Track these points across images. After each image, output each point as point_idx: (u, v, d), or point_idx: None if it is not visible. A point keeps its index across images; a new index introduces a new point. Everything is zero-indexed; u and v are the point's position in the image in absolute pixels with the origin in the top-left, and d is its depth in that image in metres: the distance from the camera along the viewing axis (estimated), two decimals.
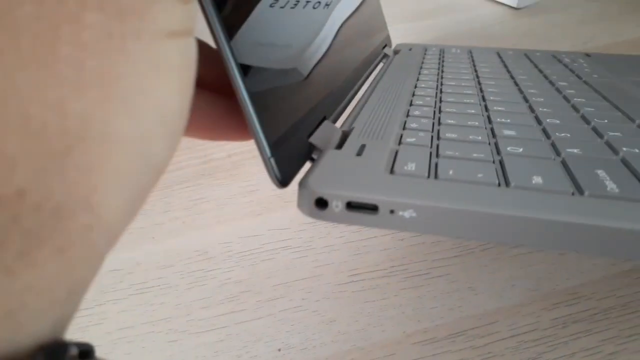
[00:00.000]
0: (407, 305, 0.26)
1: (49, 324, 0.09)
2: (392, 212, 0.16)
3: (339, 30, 0.28)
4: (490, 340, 0.24)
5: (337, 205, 0.16)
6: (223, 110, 0.18)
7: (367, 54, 0.34)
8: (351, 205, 0.16)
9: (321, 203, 0.16)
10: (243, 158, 0.36)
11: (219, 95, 0.18)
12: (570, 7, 0.63)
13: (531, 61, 0.39)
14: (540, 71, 0.36)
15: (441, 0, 0.67)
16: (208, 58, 0.16)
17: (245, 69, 0.16)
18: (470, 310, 0.25)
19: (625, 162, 0.20)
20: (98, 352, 0.24)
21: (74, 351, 0.10)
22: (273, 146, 0.17)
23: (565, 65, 0.38)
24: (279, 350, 0.24)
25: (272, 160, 0.17)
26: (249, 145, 0.37)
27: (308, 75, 0.22)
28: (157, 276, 0.28)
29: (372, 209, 0.16)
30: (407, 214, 0.16)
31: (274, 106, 0.18)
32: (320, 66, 0.24)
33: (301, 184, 0.17)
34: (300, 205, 0.17)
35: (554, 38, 0.51)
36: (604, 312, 0.25)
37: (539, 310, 0.25)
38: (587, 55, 0.41)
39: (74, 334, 0.26)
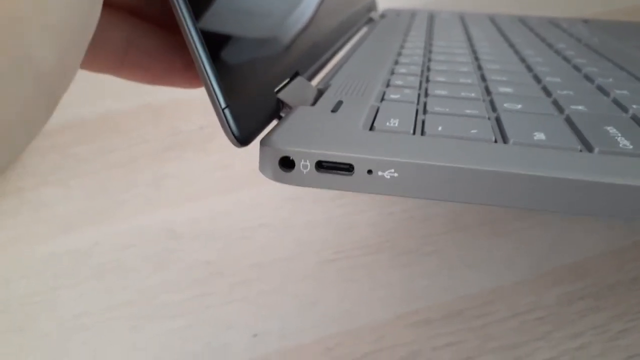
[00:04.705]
0: (397, 285, 0.23)
1: None
2: (369, 172, 0.14)
3: None
4: (490, 320, 0.22)
5: (305, 166, 0.14)
6: (167, 48, 0.15)
7: (349, 16, 0.31)
8: (322, 165, 0.14)
9: (287, 163, 0.14)
10: (216, 130, 0.33)
11: (164, 30, 0.15)
12: None
13: (526, 26, 0.37)
14: (537, 35, 0.34)
15: None
16: None
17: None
18: (466, 289, 0.23)
19: (636, 120, 0.18)
20: (49, 341, 0.22)
21: None
22: (229, 95, 0.14)
23: (564, 30, 0.35)
24: (255, 335, 0.22)
25: (227, 112, 0.14)
26: None
27: (278, 26, 0.19)
28: (117, 257, 0.25)
29: (347, 169, 0.14)
30: (387, 173, 0.14)
31: (232, 49, 0.15)
32: (294, 20, 0.21)
33: (263, 141, 0.14)
34: (262, 166, 0.14)
35: (547, 4, 0.49)
36: (611, 288, 0.23)
37: (541, 288, 0.23)
38: (585, 21, 0.39)
39: (22, 322, 0.23)
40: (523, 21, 0.38)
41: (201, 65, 0.14)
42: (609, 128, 0.16)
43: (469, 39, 0.32)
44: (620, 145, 0.15)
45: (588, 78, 0.24)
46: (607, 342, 0.21)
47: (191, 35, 0.13)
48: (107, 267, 0.25)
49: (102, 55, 0.15)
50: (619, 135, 0.16)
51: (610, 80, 0.23)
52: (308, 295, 0.23)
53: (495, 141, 0.15)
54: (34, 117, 0.08)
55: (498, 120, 0.17)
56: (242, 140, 0.15)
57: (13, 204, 0.29)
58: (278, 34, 0.19)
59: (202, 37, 0.14)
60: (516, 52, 0.29)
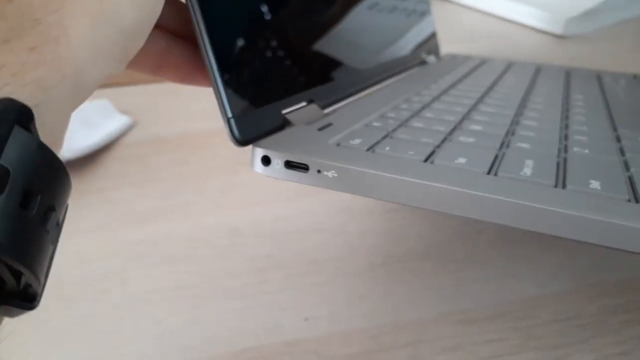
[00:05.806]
0: (443, 288, 0.25)
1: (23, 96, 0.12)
2: (319, 171, 0.18)
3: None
4: (533, 323, 0.22)
5: (277, 163, 0.19)
6: (194, 56, 0.21)
7: (394, 58, 0.34)
8: (290, 164, 0.18)
9: (266, 160, 0.19)
10: None
11: (192, 43, 0.20)
12: (620, 37, 0.62)
13: (565, 76, 0.38)
14: (568, 85, 0.35)
15: (480, 29, 0.68)
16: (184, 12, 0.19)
17: (212, 21, 0.19)
18: (511, 295, 0.24)
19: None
20: (119, 312, 0.24)
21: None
22: (234, 108, 0.19)
23: (603, 83, 0.36)
24: (306, 319, 0.23)
25: (232, 122, 0.19)
26: None
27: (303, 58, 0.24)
28: (185, 248, 0.28)
29: (305, 168, 0.18)
30: (330, 174, 0.18)
31: (244, 75, 0.20)
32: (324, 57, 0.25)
33: (255, 144, 0.19)
34: (252, 161, 0.19)
35: (602, 64, 0.50)
36: None
37: (585, 299, 0.24)
38: (635, 77, 0.40)
39: (97, 294, 0.25)
40: (568, 73, 0.40)
41: (215, 86, 0.19)
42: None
43: (495, 83, 0.34)
44: (521, 172, 0.17)
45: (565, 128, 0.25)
46: None
47: (212, 71, 0.19)
48: (175, 255, 0.28)
49: (147, 59, 0.20)
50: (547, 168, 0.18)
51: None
52: (357, 290, 0.25)
53: (426, 161, 0.18)
54: (64, 81, 0.13)
55: (442, 147, 0.20)
56: (241, 142, 0.20)
57: (95, 199, 0.32)
58: (296, 65, 0.24)
59: (221, 72, 0.19)
60: (526, 96, 0.30)
